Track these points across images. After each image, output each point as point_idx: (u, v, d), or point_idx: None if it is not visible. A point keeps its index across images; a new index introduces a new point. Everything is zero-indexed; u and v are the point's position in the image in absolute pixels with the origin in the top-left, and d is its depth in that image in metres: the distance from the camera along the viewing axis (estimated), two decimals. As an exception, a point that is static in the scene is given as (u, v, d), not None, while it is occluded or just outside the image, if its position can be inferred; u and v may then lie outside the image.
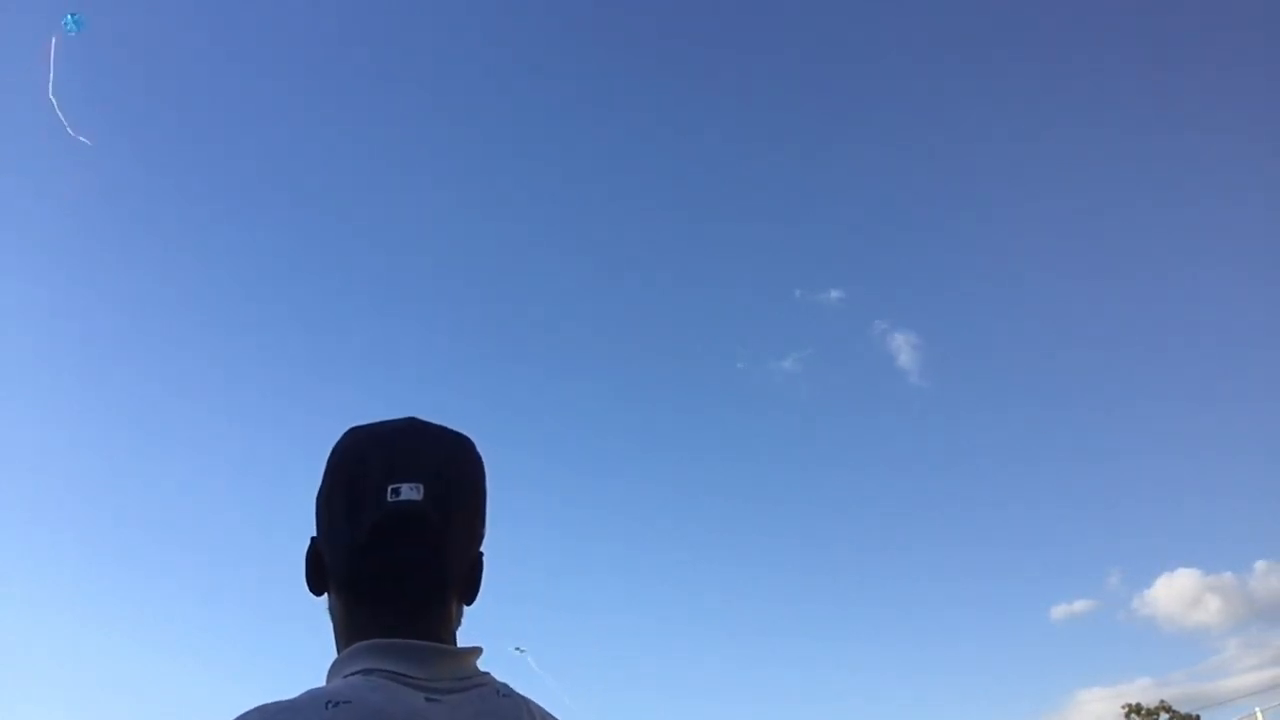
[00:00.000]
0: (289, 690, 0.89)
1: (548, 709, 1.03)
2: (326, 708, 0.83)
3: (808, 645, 36.21)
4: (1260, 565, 34.76)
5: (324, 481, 1.02)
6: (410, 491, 0.95)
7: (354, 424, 1.06)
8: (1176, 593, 34.00)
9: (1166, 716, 27.41)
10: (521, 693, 1.00)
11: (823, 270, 37.00)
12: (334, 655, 0.99)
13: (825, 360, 36.39)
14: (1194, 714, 27.08)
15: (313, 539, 1.03)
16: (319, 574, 1.02)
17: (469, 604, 1.05)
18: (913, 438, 38.80)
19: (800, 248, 37.05)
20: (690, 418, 37.09)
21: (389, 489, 0.95)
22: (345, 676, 0.92)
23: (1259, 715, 17.79)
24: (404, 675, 0.90)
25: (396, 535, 0.95)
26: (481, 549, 1.05)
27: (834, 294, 34.91)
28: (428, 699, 0.89)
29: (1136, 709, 27.74)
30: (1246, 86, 31.91)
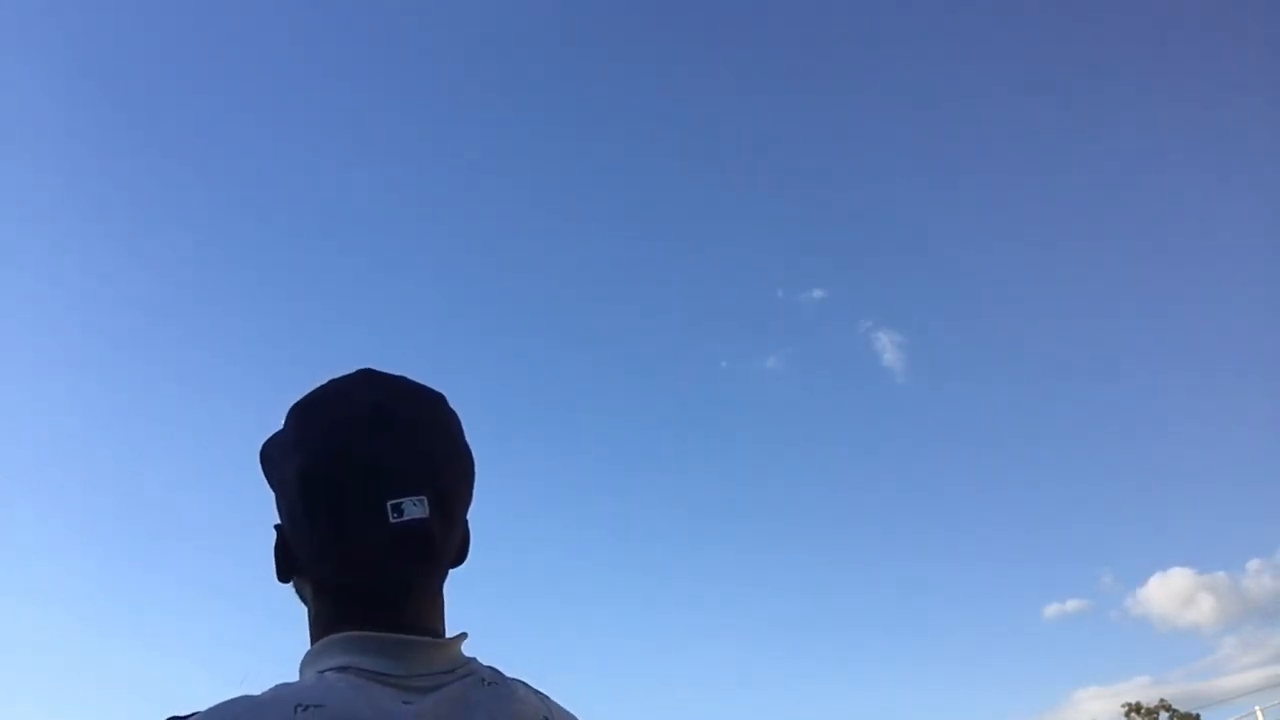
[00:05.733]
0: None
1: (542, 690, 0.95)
2: (295, 711, 0.76)
3: (796, 646, 36.08)
4: (1253, 564, 34.82)
5: (294, 479, 0.88)
6: (415, 508, 0.83)
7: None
8: (1170, 592, 34.05)
9: (1167, 715, 27.43)
10: (512, 676, 0.92)
11: (805, 269, 36.77)
12: (306, 641, 0.91)
13: (809, 359, 36.30)
14: (1194, 713, 27.15)
15: (279, 530, 0.92)
16: (290, 566, 0.92)
17: (456, 567, 0.95)
18: (899, 437, 38.60)
19: (782, 247, 36.91)
20: (674, 415, 36.87)
21: (389, 505, 0.83)
22: (319, 672, 0.84)
23: (1259, 714, 17.76)
24: (380, 674, 0.83)
25: (396, 553, 0.85)
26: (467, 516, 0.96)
27: (816, 293, 34.80)
28: (404, 701, 0.82)
29: (1136, 708, 27.75)
30: (1244, 68, 31.78)
